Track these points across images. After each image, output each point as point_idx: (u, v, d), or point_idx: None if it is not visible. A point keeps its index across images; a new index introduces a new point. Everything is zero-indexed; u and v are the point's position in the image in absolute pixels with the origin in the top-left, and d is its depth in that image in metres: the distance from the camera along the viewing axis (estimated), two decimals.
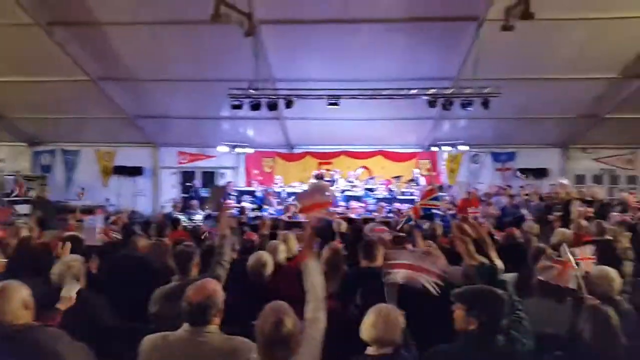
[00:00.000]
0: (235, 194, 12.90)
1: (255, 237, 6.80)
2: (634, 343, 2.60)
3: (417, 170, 14.15)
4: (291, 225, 11.00)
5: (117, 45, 9.55)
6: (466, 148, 13.56)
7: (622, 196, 10.63)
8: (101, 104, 11.74)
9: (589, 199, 10.56)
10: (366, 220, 10.05)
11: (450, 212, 12.32)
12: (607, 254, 4.65)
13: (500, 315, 2.46)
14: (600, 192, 10.67)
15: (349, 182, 13.71)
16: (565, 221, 9.59)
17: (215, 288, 2.58)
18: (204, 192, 13.70)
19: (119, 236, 5.27)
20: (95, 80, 10.62)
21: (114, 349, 3.19)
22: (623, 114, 11.85)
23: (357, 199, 12.74)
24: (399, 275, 3.22)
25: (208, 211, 11.67)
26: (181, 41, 9.37)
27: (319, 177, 10.44)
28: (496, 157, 14.36)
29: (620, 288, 3.62)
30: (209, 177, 14.76)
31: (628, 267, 5.03)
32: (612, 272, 3.59)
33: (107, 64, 10.27)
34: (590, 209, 9.29)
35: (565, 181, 10.64)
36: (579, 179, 14.15)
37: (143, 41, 9.31)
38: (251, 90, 9.66)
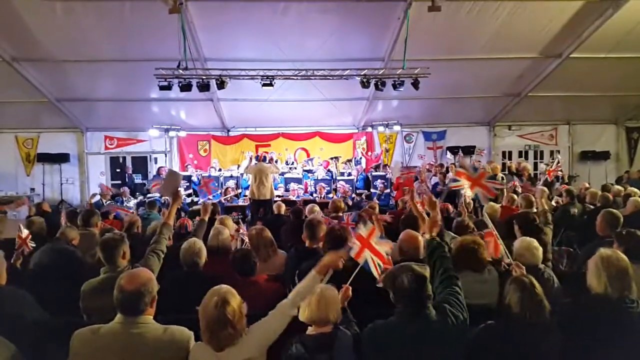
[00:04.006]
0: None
1: (189, 222, 6.66)
2: (556, 307, 2.78)
3: (359, 151, 14.35)
4: (230, 209, 10.91)
5: (29, 23, 8.82)
6: (398, 128, 13.89)
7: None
8: (18, 87, 10.89)
9: (517, 172, 11.25)
10: (306, 202, 10.13)
11: (387, 190, 12.68)
12: (528, 225, 4.87)
13: (417, 290, 2.50)
14: (528, 166, 11.34)
15: (288, 164, 13.71)
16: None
17: (149, 276, 2.51)
18: (137, 178, 13.23)
19: (33, 244, 4.85)
20: (9, 62, 9.82)
21: (43, 344, 3.07)
22: (544, 92, 12.51)
23: (297, 180, 12.75)
24: (353, 249, 3.21)
25: (142, 197, 11.29)
26: (101, 18, 8.78)
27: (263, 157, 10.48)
28: (427, 136, 14.81)
29: (542, 257, 3.85)
30: (140, 162, 14.19)
31: (549, 236, 5.35)
32: (534, 242, 3.82)
33: (21, 43, 9.49)
34: (517, 183, 9.90)
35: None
36: (506, 155, 14.97)
37: (58, 18, 8.64)
38: (180, 70, 9.31)
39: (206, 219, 5.05)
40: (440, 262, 2.89)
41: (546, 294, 2.73)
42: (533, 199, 6.40)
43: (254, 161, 10.93)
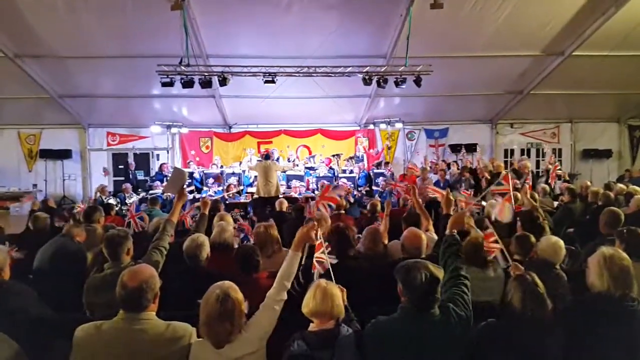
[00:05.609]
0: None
1: (187, 219, 6.69)
2: (560, 305, 2.78)
3: (360, 148, 14.33)
4: (232, 206, 10.92)
5: (32, 20, 8.83)
6: (400, 125, 13.86)
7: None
8: (21, 83, 10.92)
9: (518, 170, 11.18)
10: (308, 199, 10.14)
11: (388, 188, 12.66)
12: (530, 223, 4.87)
13: (428, 290, 2.47)
14: (529, 164, 11.31)
15: (290, 161, 13.70)
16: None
17: (151, 273, 2.51)
18: (140, 175, 13.25)
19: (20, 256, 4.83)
20: (12, 58, 9.84)
21: (46, 340, 3.06)
22: (546, 90, 12.48)
23: (298, 178, 12.75)
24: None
25: (144, 194, 11.29)
26: (103, 15, 8.78)
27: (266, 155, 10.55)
28: (429, 133, 14.79)
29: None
30: (142, 158, 14.19)
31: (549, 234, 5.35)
32: (560, 241, 3.81)
33: (23, 40, 9.49)
34: (517, 181, 9.86)
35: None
36: (508, 153, 14.94)
37: (61, 15, 8.64)
38: (182, 67, 9.31)
39: (206, 213, 5.06)
40: (452, 260, 2.86)
41: (556, 292, 2.72)
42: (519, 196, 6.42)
43: (257, 159, 10.96)
